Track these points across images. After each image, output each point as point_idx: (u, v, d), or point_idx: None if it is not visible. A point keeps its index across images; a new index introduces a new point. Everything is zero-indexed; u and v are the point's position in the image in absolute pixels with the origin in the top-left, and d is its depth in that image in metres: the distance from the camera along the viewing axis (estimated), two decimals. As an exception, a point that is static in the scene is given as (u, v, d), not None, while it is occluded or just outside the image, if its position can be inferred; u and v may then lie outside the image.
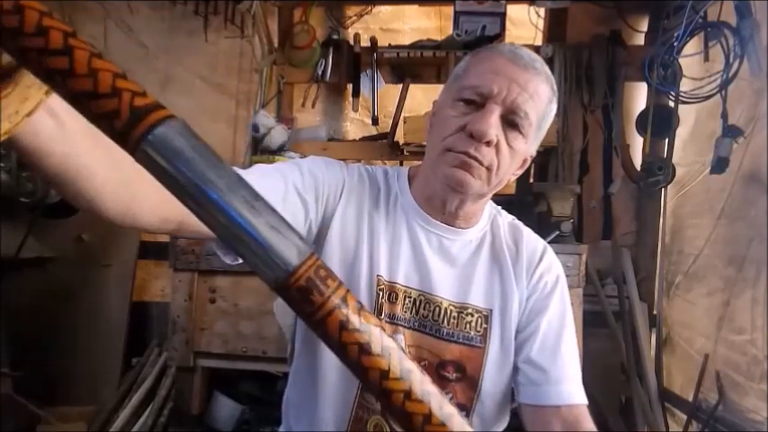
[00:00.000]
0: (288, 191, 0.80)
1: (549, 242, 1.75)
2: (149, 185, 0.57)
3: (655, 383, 2.28)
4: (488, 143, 0.78)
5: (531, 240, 0.94)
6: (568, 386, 0.86)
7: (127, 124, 0.25)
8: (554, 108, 0.85)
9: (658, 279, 2.47)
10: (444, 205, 0.86)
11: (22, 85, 0.36)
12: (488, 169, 0.80)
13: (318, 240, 0.86)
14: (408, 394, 0.29)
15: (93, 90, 0.25)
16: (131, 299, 2.63)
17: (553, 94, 0.84)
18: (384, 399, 0.30)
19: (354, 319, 0.29)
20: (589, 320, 1.94)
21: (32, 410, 2.27)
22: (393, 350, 0.30)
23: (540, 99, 0.80)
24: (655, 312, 2.45)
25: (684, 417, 2.18)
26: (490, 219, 0.94)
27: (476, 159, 0.78)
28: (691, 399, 2.12)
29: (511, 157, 0.81)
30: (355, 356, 0.29)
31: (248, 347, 1.87)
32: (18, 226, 2.17)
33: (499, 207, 0.99)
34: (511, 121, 0.79)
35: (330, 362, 0.86)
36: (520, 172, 0.88)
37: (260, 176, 0.77)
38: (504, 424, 0.94)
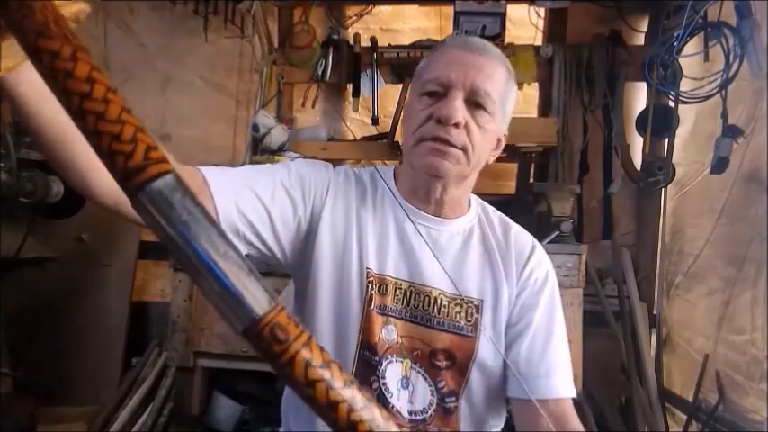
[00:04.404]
0: (276, 188, 0.85)
1: (548, 242, 1.75)
2: None
3: (655, 383, 2.28)
4: (456, 125, 0.82)
5: (521, 236, 0.96)
6: (556, 380, 0.87)
7: (137, 170, 0.30)
8: (514, 87, 0.90)
9: (658, 279, 2.47)
10: (429, 195, 0.89)
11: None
12: (463, 150, 0.84)
13: (309, 237, 0.89)
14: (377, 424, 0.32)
15: (119, 135, 0.30)
16: (131, 299, 2.63)
17: (509, 73, 0.89)
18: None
19: (317, 360, 0.31)
20: (589, 320, 1.94)
21: (32, 410, 2.27)
22: (354, 383, 0.32)
23: (498, 78, 0.85)
24: (655, 312, 2.45)
25: (684, 417, 2.18)
26: (478, 213, 0.97)
27: (448, 143, 0.82)
28: (691, 399, 2.12)
29: (482, 137, 0.85)
30: (323, 394, 0.31)
31: (248, 347, 1.87)
32: (18, 226, 2.17)
33: (486, 203, 1.01)
34: (475, 102, 0.83)
35: None
36: (497, 153, 0.93)
37: (251, 171, 0.84)
38: (499, 416, 0.95)
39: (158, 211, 0.30)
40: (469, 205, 0.96)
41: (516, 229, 0.97)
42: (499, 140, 0.91)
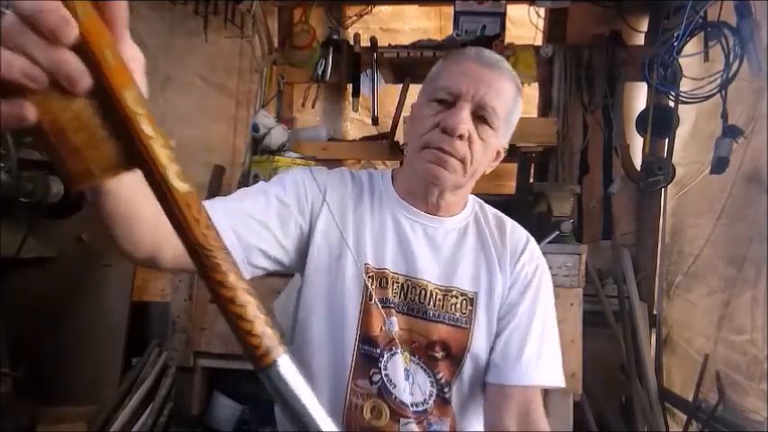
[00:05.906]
0: (269, 201, 0.89)
1: (548, 242, 1.75)
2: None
3: (655, 383, 2.28)
4: (461, 137, 0.85)
5: (516, 231, 1.00)
6: (528, 368, 0.90)
7: (263, 355, 0.41)
8: (520, 102, 0.93)
9: (658, 279, 2.47)
10: (426, 197, 0.93)
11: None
12: (462, 162, 0.87)
13: (309, 238, 0.93)
14: None
15: (251, 330, 0.40)
16: (131, 299, 2.63)
17: (518, 90, 0.91)
18: None
19: None
20: (589, 320, 1.94)
21: (32, 410, 2.27)
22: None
23: (506, 95, 0.88)
24: (655, 312, 2.45)
25: (684, 417, 2.18)
26: (473, 210, 1.00)
27: (450, 153, 0.86)
28: (691, 399, 2.12)
29: (483, 150, 0.88)
30: None
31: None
32: (18, 226, 2.16)
33: (482, 201, 1.04)
34: (480, 117, 0.86)
35: (320, 354, 0.91)
36: (495, 164, 0.95)
37: (242, 196, 0.88)
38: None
39: (276, 383, 0.41)
40: (465, 202, 0.99)
41: (511, 224, 1.01)
42: (498, 153, 0.94)
